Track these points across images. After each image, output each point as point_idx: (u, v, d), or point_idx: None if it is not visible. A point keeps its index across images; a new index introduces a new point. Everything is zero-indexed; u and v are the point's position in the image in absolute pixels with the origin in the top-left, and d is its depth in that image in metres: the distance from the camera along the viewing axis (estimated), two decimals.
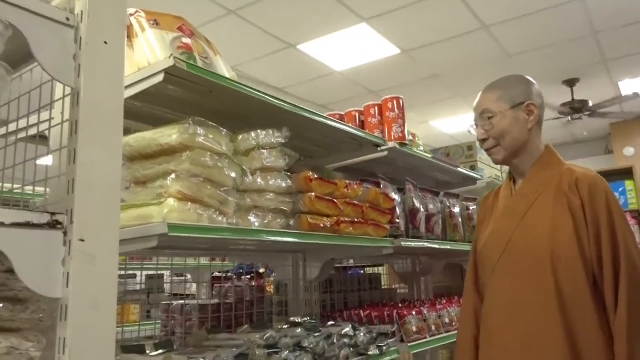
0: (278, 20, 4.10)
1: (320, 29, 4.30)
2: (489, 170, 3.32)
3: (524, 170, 1.58)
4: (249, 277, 3.62)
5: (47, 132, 1.18)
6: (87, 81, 1.04)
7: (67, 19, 1.05)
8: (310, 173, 1.69)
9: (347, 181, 1.86)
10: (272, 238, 1.49)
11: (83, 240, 0.98)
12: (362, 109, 2.42)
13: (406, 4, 3.94)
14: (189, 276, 3.52)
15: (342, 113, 2.47)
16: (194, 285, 3.56)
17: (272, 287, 3.89)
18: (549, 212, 1.46)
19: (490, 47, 4.85)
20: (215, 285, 3.01)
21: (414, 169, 2.70)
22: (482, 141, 1.59)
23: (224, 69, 1.64)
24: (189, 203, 1.31)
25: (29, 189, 1.30)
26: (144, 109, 1.62)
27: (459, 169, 2.84)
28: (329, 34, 4.36)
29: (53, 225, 0.97)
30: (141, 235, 1.26)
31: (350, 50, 4.68)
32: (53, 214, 0.97)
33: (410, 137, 2.71)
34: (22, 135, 1.23)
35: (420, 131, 7.56)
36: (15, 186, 1.30)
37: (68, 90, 1.07)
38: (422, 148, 2.84)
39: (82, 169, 1.01)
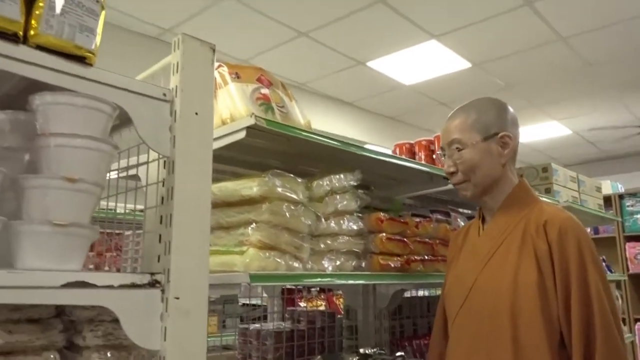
0: (348, 39, 4.17)
1: (390, 47, 4.32)
2: (566, 193, 3.21)
3: (494, 207, 1.42)
4: (317, 289, 3.74)
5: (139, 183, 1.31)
6: (181, 150, 1.15)
7: (164, 94, 1.17)
8: (382, 214, 1.74)
9: (417, 219, 1.89)
10: (345, 282, 1.56)
11: (178, 298, 1.09)
12: (432, 139, 2.43)
13: (477, 20, 3.88)
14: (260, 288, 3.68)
15: (412, 142, 2.50)
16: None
17: (340, 300, 3.96)
18: (514, 258, 1.29)
19: (568, 58, 4.66)
20: (288, 303, 3.14)
21: None
22: (450, 174, 1.43)
23: (299, 115, 1.73)
24: (268, 251, 1.41)
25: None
26: (226, 154, 1.74)
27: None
28: (398, 51, 4.38)
29: (153, 284, 1.09)
30: (225, 282, 1.37)
31: (419, 65, 4.67)
32: (152, 274, 1.09)
33: None
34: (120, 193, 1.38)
35: None
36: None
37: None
38: None
39: (177, 231, 1.12)
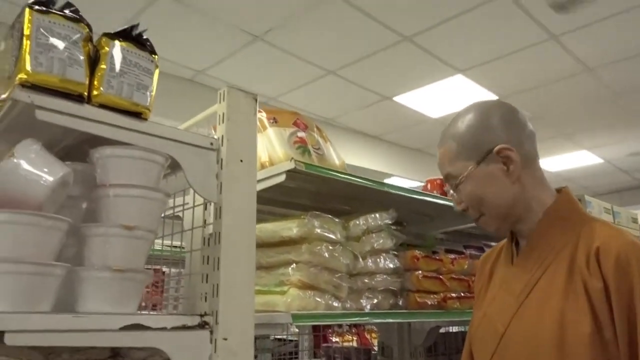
0: (374, 76, 4.27)
1: (416, 82, 4.40)
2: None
3: (529, 232, 1.12)
4: (348, 324, 3.72)
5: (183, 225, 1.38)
6: (227, 196, 1.22)
7: (211, 143, 1.24)
8: (417, 252, 1.76)
9: (452, 255, 1.90)
10: (383, 320, 1.58)
11: (226, 339, 1.14)
12: None
13: (502, 55, 3.94)
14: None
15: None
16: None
17: (372, 335, 3.92)
18: (558, 299, 0.99)
19: (596, 88, 4.65)
20: (320, 338, 3.13)
21: None
22: (464, 211, 1.17)
23: (333, 156, 1.79)
24: (308, 291, 1.44)
25: None
26: (264, 195, 1.80)
27: None
28: (424, 86, 4.45)
29: (202, 326, 1.13)
30: (267, 322, 1.41)
31: (445, 98, 4.72)
32: (202, 315, 1.14)
33: None
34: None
35: None
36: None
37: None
38: None
39: (225, 273, 1.17)
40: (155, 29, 3.53)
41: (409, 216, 2.28)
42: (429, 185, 2.50)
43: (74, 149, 1.21)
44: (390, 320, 1.60)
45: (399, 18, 3.40)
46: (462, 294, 1.87)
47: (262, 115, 1.72)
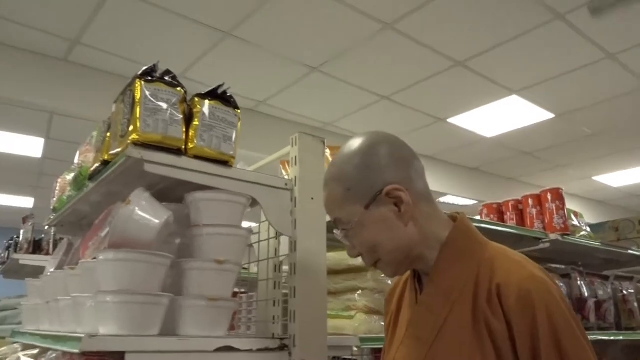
0: (427, 100, 4.36)
1: (470, 104, 4.45)
2: None
3: (429, 269, 1.02)
4: None
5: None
6: (301, 231, 1.36)
7: (286, 184, 1.39)
8: None
9: None
10: None
11: None
12: (520, 199, 2.50)
13: (557, 74, 3.93)
14: None
15: (500, 202, 2.58)
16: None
17: None
18: (467, 345, 0.89)
19: None
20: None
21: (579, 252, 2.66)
22: (358, 256, 1.05)
23: None
24: (374, 315, 1.56)
25: None
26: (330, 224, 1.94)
27: (631, 251, 2.72)
28: (478, 107, 4.49)
29: (282, 348, 1.28)
30: (336, 345, 1.53)
31: (500, 119, 4.73)
32: (282, 339, 1.28)
33: (573, 220, 2.70)
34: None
35: (582, 186, 7.15)
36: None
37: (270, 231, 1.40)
38: (586, 229, 2.79)
39: (300, 302, 1.31)
40: (221, 65, 3.82)
41: None
42: (485, 210, 2.56)
43: (166, 190, 1.40)
44: None
45: (452, 45, 3.50)
46: None
47: (327, 152, 1.86)
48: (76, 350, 1.01)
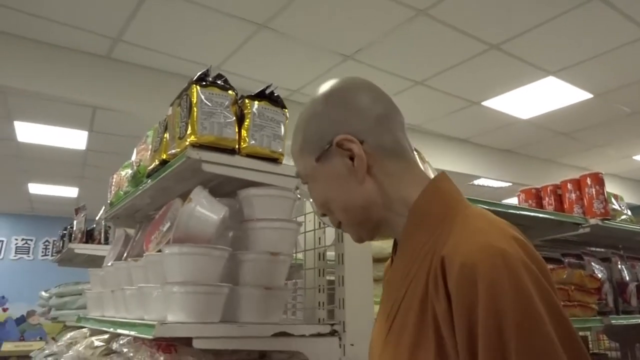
0: (462, 84, 4.33)
1: (505, 87, 4.40)
2: None
3: (399, 237, 0.88)
4: None
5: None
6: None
7: None
8: None
9: (550, 266, 1.99)
10: None
11: (353, 345, 1.35)
12: (559, 184, 2.51)
13: (597, 54, 3.85)
14: None
15: (538, 187, 2.59)
16: None
17: None
18: (410, 330, 0.75)
19: None
20: None
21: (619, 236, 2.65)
22: (322, 216, 0.96)
23: (431, 175, 1.95)
24: None
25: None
26: None
27: None
28: (513, 90, 4.44)
29: (332, 333, 1.36)
30: None
31: (537, 100, 4.67)
32: (332, 324, 1.36)
33: (613, 203, 2.68)
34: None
35: (622, 166, 6.99)
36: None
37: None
38: (626, 212, 2.77)
39: (349, 289, 1.39)
40: (256, 56, 3.89)
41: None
42: (523, 195, 2.58)
43: (217, 185, 1.49)
44: None
45: (486, 28, 3.47)
46: (562, 303, 1.95)
47: None
48: (149, 336, 1.10)
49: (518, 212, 2.02)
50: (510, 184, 6.48)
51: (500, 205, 1.96)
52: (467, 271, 0.68)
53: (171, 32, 3.47)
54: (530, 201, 2.52)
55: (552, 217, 2.12)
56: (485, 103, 4.74)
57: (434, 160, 5.64)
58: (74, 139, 5.26)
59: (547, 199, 2.47)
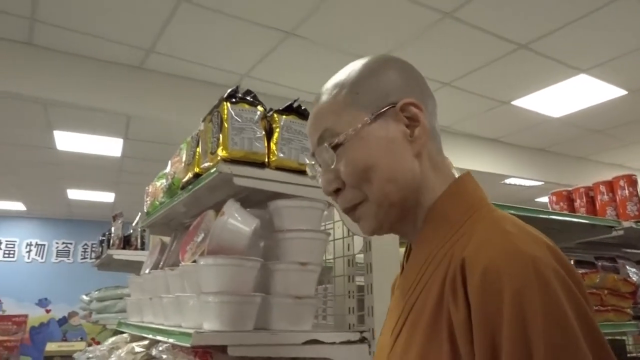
0: (490, 84, 4.30)
1: (535, 85, 4.34)
2: None
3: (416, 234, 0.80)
4: None
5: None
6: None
7: None
8: None
9: (582, 270, 1.97)
10: None
11: None
12: (591, 186, 2.47)
13: (630, 50, 3.76)
14: None
15: (570, 189, 2.56)
16: None
17: None
18: (420, 339, 0.68)
19: None
20: None
21: None
22: (333, 194, 0.80)
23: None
24: None
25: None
26: None
27: None
28: (544, 88, 4.37)
29: (362, 340, 1.39)
30: None
31: (568, 98, 4.58)
32: (361, 332, 1.40)
33: None
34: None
35: None
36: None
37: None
38: None
39: (376, 296, 1.42)
40: (283, 62, 3.94)
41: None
42: (554, 198, 2.55)
43: (247, 196, 1.54)
44: None
45: (513, 28, 3.43)
46: (595, 308, 1.93)
47: None
48: (187, 344, 1.16)
49: (549, 216, 2.01)
50: (542, 182, 6.37)
51: (530, 210, 1.96)
52: (492, 277, 0.61)
53: (201, 42, 3.56)
54: (561, 203, 2.50)
55: (584, 220, 2.10)
56: (515, 102, 4.68)
57: (464, 160, 5.63)
58: (110, 146, 5.43)
59: (578, 201, 2.44)
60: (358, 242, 1.63)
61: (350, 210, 0.79)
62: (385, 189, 0.74)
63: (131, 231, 3.31)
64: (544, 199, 5.17)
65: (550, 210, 2.50)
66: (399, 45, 3.62)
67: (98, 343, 4.91)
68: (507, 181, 6.52)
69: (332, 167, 0.76)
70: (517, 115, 5.02)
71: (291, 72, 4.02)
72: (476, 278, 0.62)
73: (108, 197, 7.78)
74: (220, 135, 1.30)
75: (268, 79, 4.09)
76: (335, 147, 0.76)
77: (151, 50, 3.68)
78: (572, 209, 2.44)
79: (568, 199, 2.50)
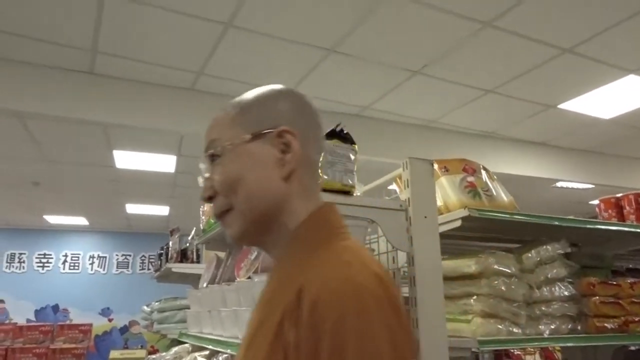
0: (535, 89, 4.26)
1: (582, 88, 4.26)
2: None
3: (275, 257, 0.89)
4: None
5: None
6: (417, 246, 1.53)
7: (401, 205, 1.57)
8: (592, 279, 1.88)
9: (630, 279, 1.96)
10: (563, 344, 1.74)
11: None
12: None
13: None
14: None
15: (619, 196, 2.52)
16: None
17: (556, 348, 3.90)
18: (263, 349, 0.73)
19: None
20: (500, 354, 3.26)
21: None
22: (207, 201, 0.88)
23: (502, 195, 2.00)
24: (490, 319, 1.69)
25: None
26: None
27: None
28: (591, 91, 4.29)
29: None
30: (456, 346, 1.68)
31: (617, 99, 4.47)
32: None
33: None
34: None
35: None
36: None
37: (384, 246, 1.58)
38: None
39: (421, 310, 1.49)
40: (326, 78, 4.07)
41: (584, 238, 2.34)
42: (602, 205, 2.52)
43: None
44: (571, 345, 1.76)
45: (556, 33, 3.41)
46: None
47: (435, 166, 2.00)
48: None
49: (594, 226, 2.01)
50: (592, 185, 6.19)
51: (581, 221, 1.95)
52: (318, 307, 0.67)
53: (248, 62, 3.73)
54: (610, 211, 2.47)
55: (632, 229, 2.08)
56: (562, 106, 4.61)
57: (511, 166, 5.56)
58: (164, 163, 5.71)
59: (627, 208, 2.40)
60: (402, 255, 1.70)
61: (219, 217, 0.87)
62: (248, 203, 0.82)
63: (187, 245, 3.50)
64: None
65: (599, 219, 2.48)
66: (439, 56, 3.67)
67: (157, 350, 5.16)
68: (559, 184, 6.37)
69: (208, 175, 0.86)
70: (564, 118, 4.93)
71: (334, 86, 4.13)
72: (307, 305, 0.68)
73: (163, 210, 8.13)
74: None
75: (312, 94, 4.21)
76: (213, 157, 0.86)
77: (201, 73, 3.88)
78: (621, 216, 2.41)
79: (617, 206, 2.47)
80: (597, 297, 1.84)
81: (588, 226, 1.97)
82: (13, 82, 3.64)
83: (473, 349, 1.61)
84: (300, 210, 0.84)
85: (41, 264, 9.46)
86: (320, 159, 0.94)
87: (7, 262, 9.31)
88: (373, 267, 0.73)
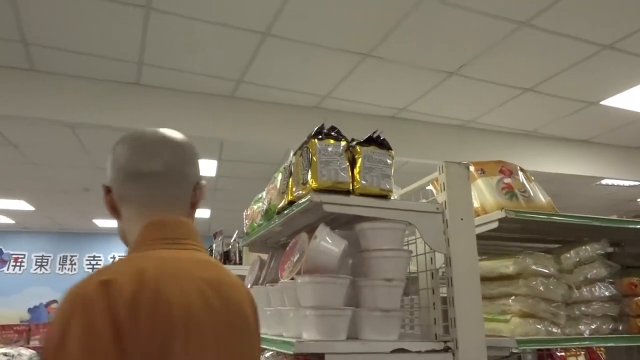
0: (575, 86, 4.18)
1: (624, 84, 4.17)
2: None
3: None
4: None
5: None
6: (454, 248, 1.57)
7: (437, 208, 1.61)
8: (634, 279, 1.87)
9: None
10: (604, 344, 1.74)
11: None
12: None
13: None
14: None
15: None
16: None
17: (602, 350, 3.84)
18: None
19: None
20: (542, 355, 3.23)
21: None
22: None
23: (540, 195, 2.00)
24: (529, 319, 1.71)
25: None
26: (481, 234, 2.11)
27: None
28: (635, 86, 4.18)
29: (446, 350, 1.51)
30: (494, 346, 1.71)
31: None
32: (445, 341, 1.51)
33: None
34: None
35: None
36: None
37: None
38: None
39: (459, 310, 1.53)
40: (362, 82, 4.12)
41: (628, 237, 2.31)
42: None
43: (337, 218, 1.71)
44: (611, 344, 1.76)
45: (595, 30, 3.35)
46: None
47: (471, 168, 2.03)
48: (290, 352, 1.35)
49: (636, 226, 1.99)
50: (638, 182, 6.00)
51: (622, 221, 1.94)
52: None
53: (285, 69, 3.83)
54: None
55: None
56: (604, 102, 4.51)
57: (553, 164, 5.47)
58: (206, 167, 5.89)
59: None
60: (439, 256, 1.75)
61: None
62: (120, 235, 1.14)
63: (230, 247, 3.63)
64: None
65: None
66: (475, 57, 3.67)
67: None
68: (604, 182, 6.21)
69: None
70: (607, 115, 4.82)
71: (370, 90, 4.18)
72: None
73: (205, 213, 8.36)
74: (310, 169, 1.49)
75: (348, 98, 4.28)
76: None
77: (241, 81, 4.01)
78: None
79: None
80: (639, 298, 1.83)
81: (630, 226, 1.96)
82: (65, 95, 3.86)
83: (512, 349, 1.64)
84: (131, 234, 1.08)
85: (91, 266, 9.88)
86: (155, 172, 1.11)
87: (59, 264, 9.76)
88: (102, 275, 0.91)
